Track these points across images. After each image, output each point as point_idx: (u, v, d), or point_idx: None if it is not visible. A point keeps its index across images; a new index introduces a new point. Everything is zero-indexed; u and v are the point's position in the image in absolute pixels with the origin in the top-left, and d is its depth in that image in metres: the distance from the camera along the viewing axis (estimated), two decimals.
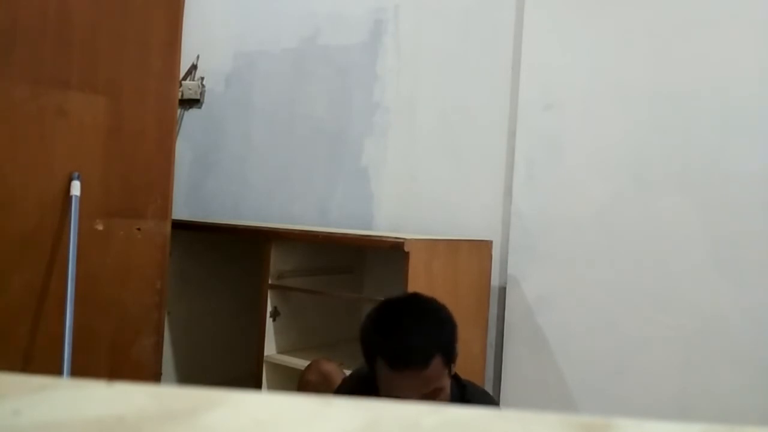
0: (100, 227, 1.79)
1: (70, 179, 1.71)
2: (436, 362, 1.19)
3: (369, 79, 2.54)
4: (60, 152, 1.71)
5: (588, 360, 2.03)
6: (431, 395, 1.20)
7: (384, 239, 1.80)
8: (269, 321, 2.01)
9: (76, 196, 1.69)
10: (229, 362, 2.51)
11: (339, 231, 2.14)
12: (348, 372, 1.71)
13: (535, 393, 2.11)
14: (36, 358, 1.67)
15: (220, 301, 2.53)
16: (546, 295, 2.10)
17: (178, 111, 2.17)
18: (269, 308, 2.01)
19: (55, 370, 1.54)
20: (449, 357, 1.23)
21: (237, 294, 2.54)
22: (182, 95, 2.88)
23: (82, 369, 1.65)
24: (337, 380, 1.64)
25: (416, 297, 1.31)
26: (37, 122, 1.67)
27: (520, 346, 2.13)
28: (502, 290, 2.19)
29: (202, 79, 3.00)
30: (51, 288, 1.68)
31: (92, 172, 1.77)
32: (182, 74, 2.78)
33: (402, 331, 1.22)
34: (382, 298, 1.90)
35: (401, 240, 1.71)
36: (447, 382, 1.23)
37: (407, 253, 1.70)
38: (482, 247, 2.11)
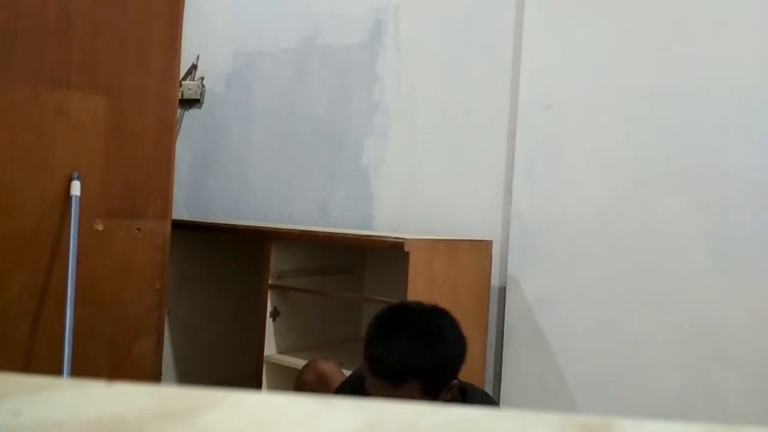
0: (100, 227, 1.79)
1: (70, 179, 1.71)
2: (411, 386, 1.13)
3: (369, 79, 2.54)
4: (60, 152, 1.71)
5: (588, 360, 2.03)
6: None
7: (384, 239, 1.80)
8: (269, 321, 2.01)
9: (76, 196, 1.69)
10: (229, 362, 2.51)
11: (339, 231, 2.14)
12: (346, 371, 1.71)
13: (535, 393, 2.11)
14: (36, 358, 1.67)
15: (220, 301, 2.53)
16: (546, 295, 2.10)
17: (178, 111, 2.17)
18: (269, 308, 2.01)
19: (55, 370, 1.54)
20: (432, 387, 1.16)
21: (237, 294, 2.54)
22: (182, 95, 2.88)
23: (82, 369, 1.65)
24: (335, 379, 1.63)
25: (432, 314, 1.23)
26: (37, 122, 1.67)
27: (520, 346, 2.13)
28: (502, 290, 2.19)
29: (202, 79, 3.00)
30: (51, 288, 1.68)
31: (92, 172, 1.77)
32: (182, 74, 2.78)
33: (388, 340, 1.17)
34: (382, 298, 1.91)
35: (401, 240, 1.71)
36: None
37: (407, 253, 1.70)
38: (482, 247, 2.11)
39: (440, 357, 1.17)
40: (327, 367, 1.69)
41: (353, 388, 1.40)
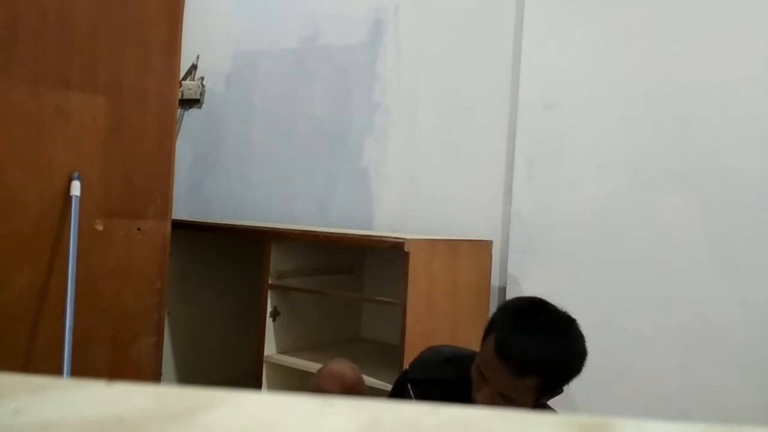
0: (100, 227, 1.79)
1: (70, 179, 1.71)
2: (531, 382, 1.13)
3: (369, 79, 2.54)
4: (60, 152, 1.71)
5: (588, 360, 2.02)
6: (504, 401, 1.15)
7: (384, 239, 1.80)
8: (269, 321, 2.01)
9: (76, 196, 1.69)
10: (229, 362, 2.51)
11: (339, 231, 2.14)
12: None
13: None
14: (36, 358, 1.67)
15: (220, 301, 2.53)
16: (546, 295, 2.09)
17: (178, 111, 2.17)
18: (269, 308, 2.01)
19: (55, 370, 1.54)
20: (547, 389, 1.17)
21: (237, 294, 2.54)
22: (182, 95, 2.89)
23: (82, 369, 1.65)
24: (361, 390, 1.47)
25: (568, 321, 1.23)
26: (37, 122, 1.67)
27: None
28: (502, 290, 2.19)
29: (202, 79, 3.00)
30: (51, 288, 1.68)
31: (92, 172, 1.77)
32: (182, 74, 2.78)
33: (526, 331, 1.16)
34: (383, 298, 1.91)
35: (401, 240, 1.71)
36: (527, 403, 1.16)
37: (407, 253, 1.70)
38: (482, 247, 2.11)
39: (568, 364, 1.18)
40: (354, 376, 1.47)
41: (434, 388, 1.34)
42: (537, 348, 1.14)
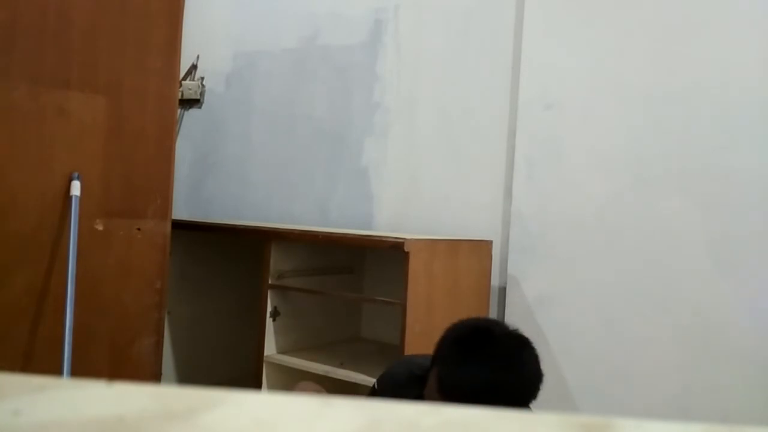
0: (100, 227, 1.79)
1: (70, 179, 1.71)
2: None
3: (369, 79, 2.54)
4: (60, 152, 1.71)
5: (588, 360, 2.03)
6: None
7: (384, 239, 1.80)
8: (269, 321, 2.01)
9: (76, 196, 1.69)
10: (229, 362, 2.51)
11: (339, 231, 2.14)
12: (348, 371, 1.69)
13: None
14: (36, 358, 1.67)
15: (220, 301, 2.53)
16: (546, 295, 2.10)
17: (178, 111, 2.17)
18: (269, 308, 2.01)
19: (55, 370, 1.54)
20: None
21: (237, 294, 2.54)
22: (182, 95, 2.88)
23: (82, 369, 1.65)
24: None
25: (515, 346, 1.11)
26: (37, 122, 1.67)
27: None
28: (502, 290, 2.19)
29: (202, 79, 3.00)
30: (51, 288, 1.68)
31: (92, 172, 1.77)
32: (182, 74, 2.78)
33: (473, 364, 1.06)
34: (383, 298, 1.91)
35: (401, 240, 1.71)
36: None
37: (407, 253, 1.70)
38: (482, 247, 2.11)
39: (519, 393, 1.09)
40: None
41: (396, 391, 1.31)
42: (481, 383, 1.04)
